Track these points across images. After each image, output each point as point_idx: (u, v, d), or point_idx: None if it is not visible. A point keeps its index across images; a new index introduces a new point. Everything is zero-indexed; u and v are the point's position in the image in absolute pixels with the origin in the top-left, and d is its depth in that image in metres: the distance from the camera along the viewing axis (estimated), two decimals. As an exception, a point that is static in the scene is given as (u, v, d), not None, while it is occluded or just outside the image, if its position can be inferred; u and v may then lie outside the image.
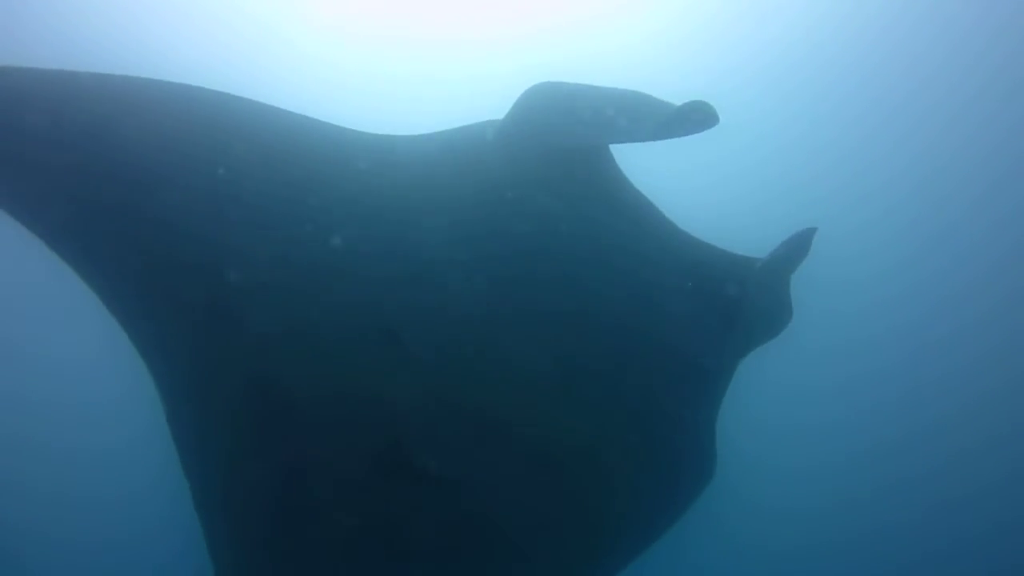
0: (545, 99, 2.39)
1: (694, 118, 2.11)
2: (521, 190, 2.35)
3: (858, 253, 10.87)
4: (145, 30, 9.14)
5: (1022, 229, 11.16)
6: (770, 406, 10.55)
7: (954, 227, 11.38)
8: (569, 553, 2.45)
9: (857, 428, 11.94)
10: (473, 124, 2.46)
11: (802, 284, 2.60)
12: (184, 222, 2.21)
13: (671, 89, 2.42)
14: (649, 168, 2.65)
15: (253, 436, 2.30)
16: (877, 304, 11.55)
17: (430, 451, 2.32)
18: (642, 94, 2.33)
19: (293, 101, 2.48)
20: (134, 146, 2.17)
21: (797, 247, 2.51)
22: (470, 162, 2.36)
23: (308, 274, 2.25)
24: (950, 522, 11.86)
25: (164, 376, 2.32)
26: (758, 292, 2.50)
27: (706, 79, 10.00)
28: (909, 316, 11.68)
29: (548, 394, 2.35)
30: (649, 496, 2.49)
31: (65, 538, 10.83)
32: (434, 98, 9.91)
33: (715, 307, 2.47)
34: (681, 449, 2.52)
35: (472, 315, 2.30)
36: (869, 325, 11.59)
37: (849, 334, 11.36)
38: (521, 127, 2.37)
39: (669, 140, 2.21)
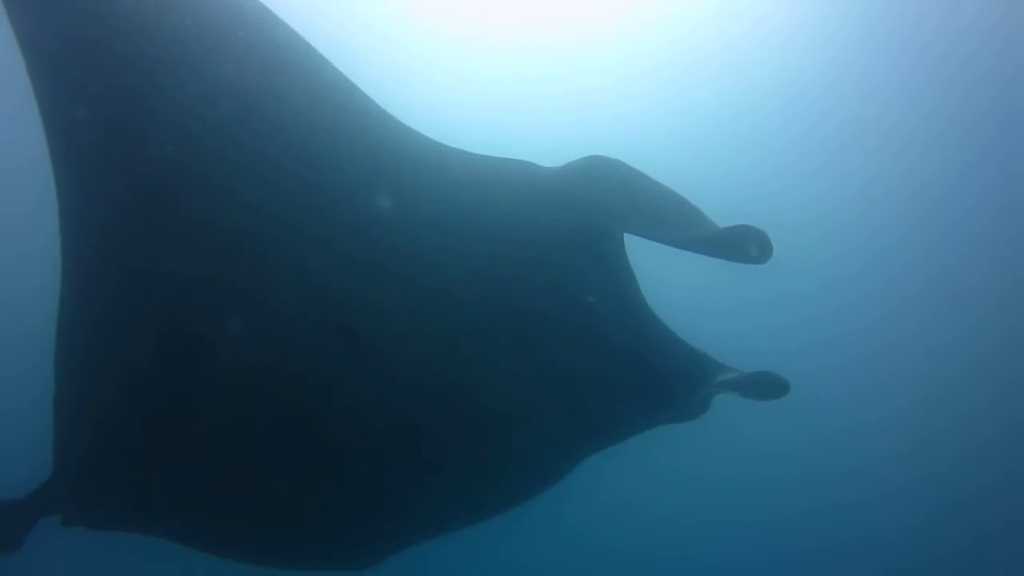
0: (608, 179, 2.47)
1: (746, 249, 2.15)
2: (548, 233, 2.44)
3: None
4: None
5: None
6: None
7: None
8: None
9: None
10: (516, 160, 2.49)
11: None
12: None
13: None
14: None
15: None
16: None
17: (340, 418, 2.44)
18: (696, 209, 2.41)
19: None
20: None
21: (758, 389, 2.32)
22: (508, 197, 2.43)
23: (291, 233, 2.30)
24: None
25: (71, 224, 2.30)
26: (695, 395, 2.51)
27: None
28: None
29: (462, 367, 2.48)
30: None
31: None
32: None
33: (655, 387, 2.53)
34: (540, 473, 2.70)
35: (432, 316, 2.40)
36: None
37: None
38: (574, 193, 2.46)
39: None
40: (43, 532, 2.55)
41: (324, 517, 2.61)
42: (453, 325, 2.42)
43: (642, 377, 2.50)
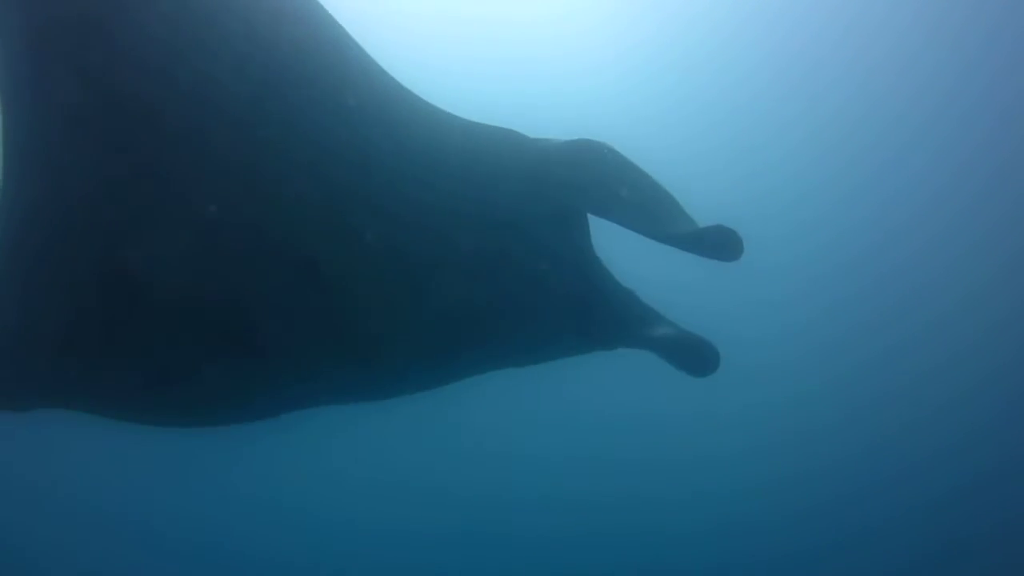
0: (596, 165, 2.56)
1: (714, 245, 2.31)
2: (521, 200, 2.51)
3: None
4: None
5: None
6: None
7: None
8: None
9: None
10: (502, 128, 2.55)
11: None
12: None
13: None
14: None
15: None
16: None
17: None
18: (677, 203, 2.53)
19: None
20: None
21: (686, 354, 2.46)
22: (489, 161, 2.48)
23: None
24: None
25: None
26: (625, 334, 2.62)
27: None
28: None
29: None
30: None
31: None
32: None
33: (588, 317, 2.61)
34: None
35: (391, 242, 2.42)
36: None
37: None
38: (561, 172, 2.54)
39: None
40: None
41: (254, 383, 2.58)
42: (407, 249, 2.46)
43: (579, 307, 2.60)
